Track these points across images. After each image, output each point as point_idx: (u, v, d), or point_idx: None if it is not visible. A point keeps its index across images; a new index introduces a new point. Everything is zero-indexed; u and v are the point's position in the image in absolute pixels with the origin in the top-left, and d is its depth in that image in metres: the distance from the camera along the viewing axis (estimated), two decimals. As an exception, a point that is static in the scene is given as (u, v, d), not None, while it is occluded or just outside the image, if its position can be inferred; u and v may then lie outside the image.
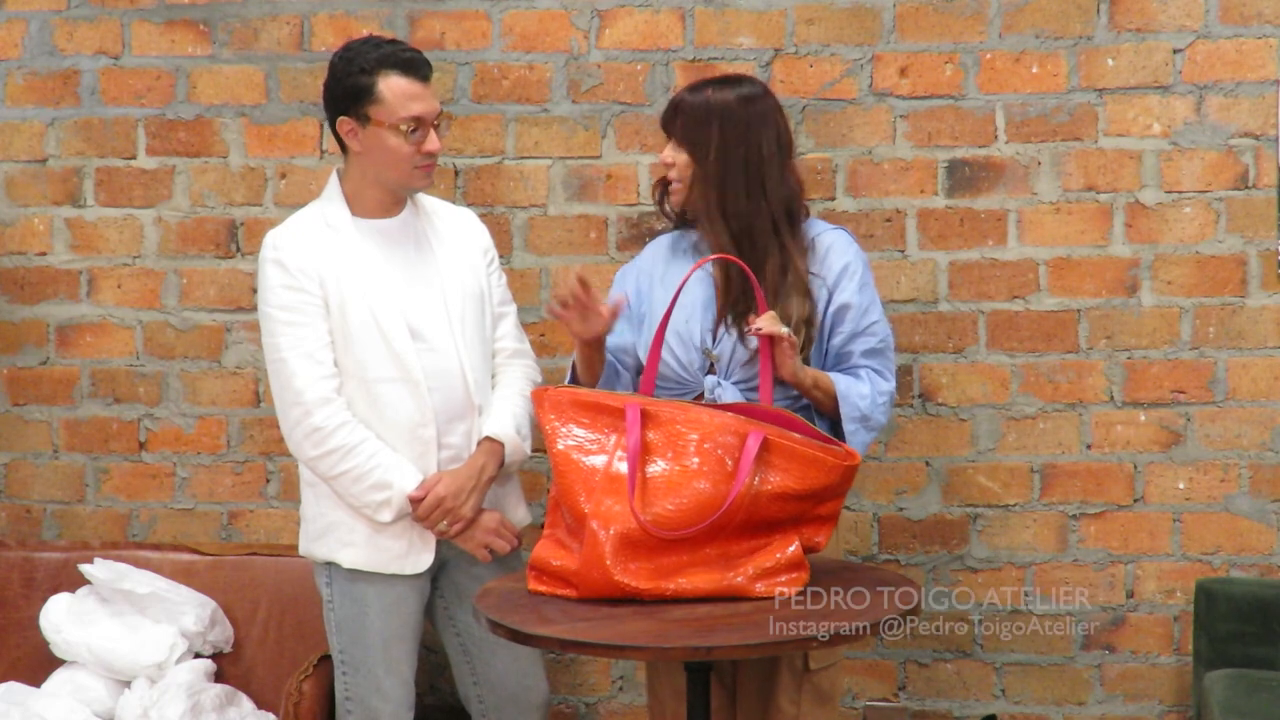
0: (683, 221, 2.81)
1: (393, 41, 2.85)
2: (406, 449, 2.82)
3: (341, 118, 2.81)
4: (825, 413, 2.69)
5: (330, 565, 2.89)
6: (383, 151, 2.79)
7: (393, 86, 2.76)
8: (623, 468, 2.42)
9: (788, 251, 2.68)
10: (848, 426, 2.65)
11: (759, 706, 2.70)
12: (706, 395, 2.66)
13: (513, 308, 3.05)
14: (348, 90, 2.79)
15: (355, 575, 2.86)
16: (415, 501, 2.79)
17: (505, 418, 2.90)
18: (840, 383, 2.65)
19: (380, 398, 2.81)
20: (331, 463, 2.79)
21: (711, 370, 2.69)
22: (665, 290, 2.75)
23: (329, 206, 2.88)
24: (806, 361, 2.66)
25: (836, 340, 2.70)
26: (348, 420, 2.79)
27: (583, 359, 2.70)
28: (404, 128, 2.76)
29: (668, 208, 2.79)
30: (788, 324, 2.60)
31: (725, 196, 2.66)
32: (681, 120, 2.69)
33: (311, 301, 2.80)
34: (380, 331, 2.80)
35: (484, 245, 3.00)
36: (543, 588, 2.48)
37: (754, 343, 2.61)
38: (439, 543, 2.87)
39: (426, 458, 2.82)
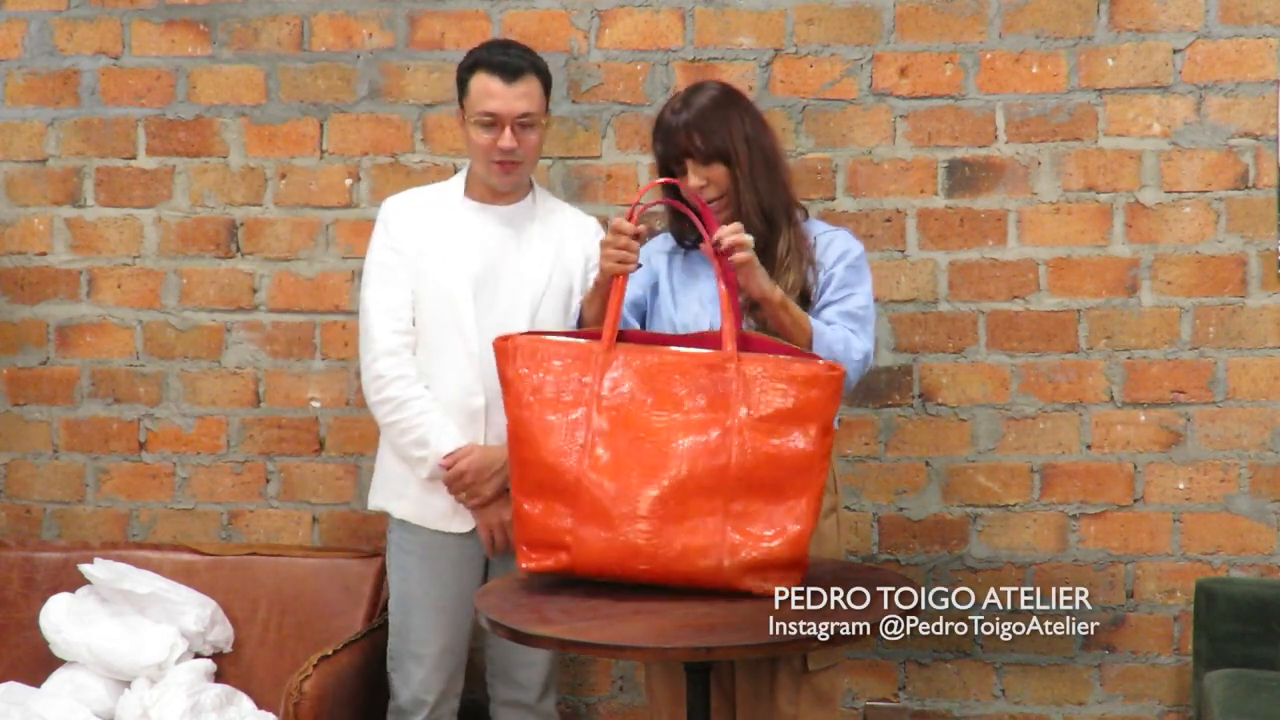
0: (699, 239, 2.78)
1: (505, 46, 2.99)
2: (457, 414, 2.95)
3: (457, 108, 3.02)
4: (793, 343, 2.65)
5: (388, 518, 3.06)
6: (469, 141, 2.98)
7: (478, 83, 2.93)
8: (604, 423, 2.40)
9: (794, 226, 2.71)
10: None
11: (758, 708, 2.70)
12: None
13: None
14: (457, 84, 3.00)
15: (406, 537, 3.02)
16: (444, 469, 2.94)
17: None
18: (814, 321, 2.62)
19: (439, 363, 2.97)
20: (384, 411, 2.98)
21: None
22: (671, 283, 2.78)
23: (450, 184, 3.08)
24: None
25: (815, 308, 2.68)
26: (406, 374, 2.96)
27: (601, 296, 2.63)
28: (475, 121, 2.91)
29: (688, 235, 2.77)
30: (789, 292, 2.61)
31: (761, 188, 2.67)
32: (700, 138, 2.64)
33: (404, 264, 2.99)
34: (448, 301, 2.96)
35: (589, 251, 3.04)
36: (534, 561, 2.44)
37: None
38: None
39: (475, 425, 2.95)
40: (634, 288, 2.78)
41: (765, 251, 2.65)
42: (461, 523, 2.98)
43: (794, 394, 2.40)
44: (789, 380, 2.40)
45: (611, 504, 2.37)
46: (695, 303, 2.74)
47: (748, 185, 2.66)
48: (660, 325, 2.77)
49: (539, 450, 2.43)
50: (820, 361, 2.43)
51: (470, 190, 3.03)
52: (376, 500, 3.09)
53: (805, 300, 2.67)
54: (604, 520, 2.37)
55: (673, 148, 2.68)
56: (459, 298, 2.95)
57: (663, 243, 2.87)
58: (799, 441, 2.40)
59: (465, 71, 2.96)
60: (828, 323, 2.65)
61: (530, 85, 2.92)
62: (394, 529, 3.05)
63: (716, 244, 2.49)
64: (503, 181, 2.97)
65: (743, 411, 2.39)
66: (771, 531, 2.39)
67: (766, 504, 2.39)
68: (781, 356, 2.44)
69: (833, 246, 2.74)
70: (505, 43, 3.05)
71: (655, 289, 2.81)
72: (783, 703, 2.66)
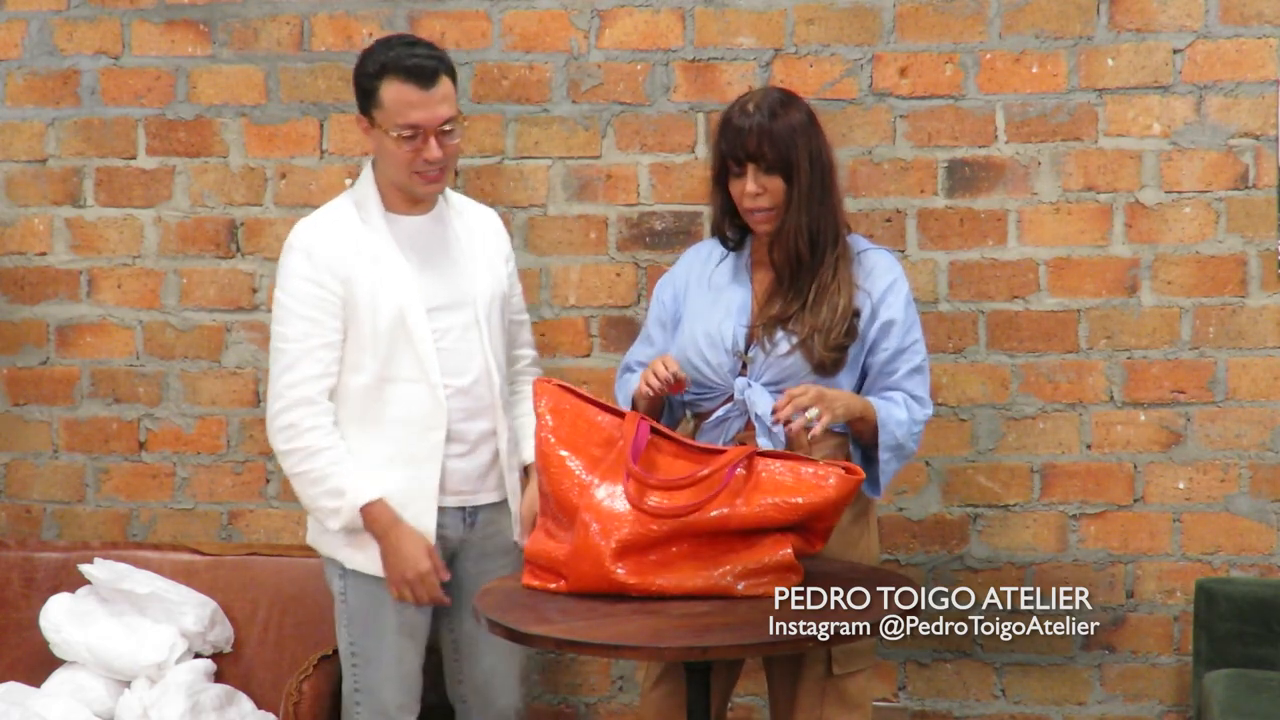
0: (740, 243, 2.78)
1: (408, 44, 2.79)
2: (413, 447, 2.79)
3: (359, 114, 2.82)
4: (863, 442, 2.70)
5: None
6: (385, 153, 2.78)
7: (392, 93, 2.72)
8: (614, 468, 2.45)
9: (839, 254, 2.69)
10: (882, 455, 2.67)
11: (784, 711, 2.70)
12: (736, 396, 2.65)
13: (528, 315, 3.08)
14: (359, 90, 2.79)
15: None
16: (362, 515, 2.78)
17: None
18: (880, 409, 2.65)
19: (394, 395, 2.79)
20: (295, 460, 2.78)
21: (743, 371, 2.69)
22: (701, 291, 2.76)
23: (362, 199, 2.85)
24: (841, 362, 2.65)
25: (882, 356, 2.69)
26: (322, 425, 2.77)
27: (645, 406, 2.70)
28: (396, 134, 2.73)
29: (731, 235, 2.76)
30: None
31: (813, 212, 2.65)
32: (769, 147, 2.62)
33: (328, 299, 2.77)
34: (406, 331, 2.77)
35: (506, 251, 3.00)
36: (535, 582, 2.49)
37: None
38: (446, 541, 2.85)
39: (431, 461, 2.80)
40: (666, 299, 2.82)
41: (808, 275, 2.66)
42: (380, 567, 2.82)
43: (806, 493, 2.43)
44: (800, 475, 2.44)
45: (597, 542, 2.39)
46: (721, 312, 2.72)
47: (801, 206, 2.64)
48: (679, 334, 2.76)
49: (551, 476, 2.50)
50: (838, 464, 2.47)
51: (388, 202, 2.83)
52: (324, 546, 2.90)
53: (853, 319, 2.66)
54: (593, 557, 2.40)
55: (739, 148, 2.64)
56: (415, 327, 2.77)
57: (694, 255, 2.86)
58: (804, 521, 2.45)
59: (371, 78, 2.74)
60: (893, 387, 2.70)
61: (446, 87, 2.75)
62: (350, 573, 2.87)
63: (785, 423, 2.54)
64: (428, 191, 2.82)
65: (748, 494, 2.43)
66: (765, 554, 2.43)
67: (762, 540, 2.44)
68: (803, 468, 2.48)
69: (878, 271, 2.72)
70: (408, 40, 2.84)
71: (684, 299, 2.80)
72: (805, 707, 2.65)
